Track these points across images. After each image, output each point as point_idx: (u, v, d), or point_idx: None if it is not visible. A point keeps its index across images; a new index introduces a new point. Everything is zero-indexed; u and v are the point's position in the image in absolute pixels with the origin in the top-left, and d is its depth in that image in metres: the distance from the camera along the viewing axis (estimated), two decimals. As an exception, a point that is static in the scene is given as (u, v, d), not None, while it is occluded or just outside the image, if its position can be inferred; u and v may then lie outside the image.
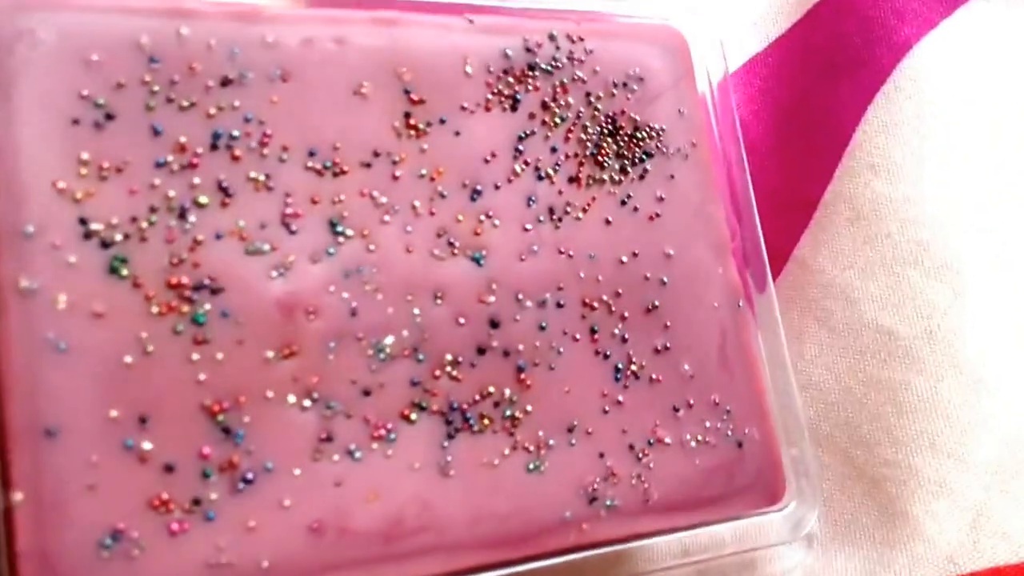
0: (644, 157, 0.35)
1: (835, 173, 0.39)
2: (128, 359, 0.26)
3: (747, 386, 0.35)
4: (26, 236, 0.26)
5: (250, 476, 0.27)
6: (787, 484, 0.36)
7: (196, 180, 0.28)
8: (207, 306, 0.28)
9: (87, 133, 0.27)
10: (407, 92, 0.31)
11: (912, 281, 0.38)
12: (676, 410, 0.34)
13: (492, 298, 0.32)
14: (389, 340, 0.30)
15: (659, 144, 0.35)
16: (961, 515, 0.38)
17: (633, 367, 0.33)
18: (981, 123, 0.40)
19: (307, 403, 0.28)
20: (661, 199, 0.35)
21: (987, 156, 0.39)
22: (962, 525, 0.38)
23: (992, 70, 0.40)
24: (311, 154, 0.30)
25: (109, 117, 0.27)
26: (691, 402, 0.34)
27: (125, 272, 0.27)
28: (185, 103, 0.28)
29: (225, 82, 0.29)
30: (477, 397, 0.31)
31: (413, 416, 0.30)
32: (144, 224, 0.27)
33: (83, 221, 0.26)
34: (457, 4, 0.33)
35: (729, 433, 0.35)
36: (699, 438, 0.34)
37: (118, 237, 0.27)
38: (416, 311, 0.30)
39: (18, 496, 0.25)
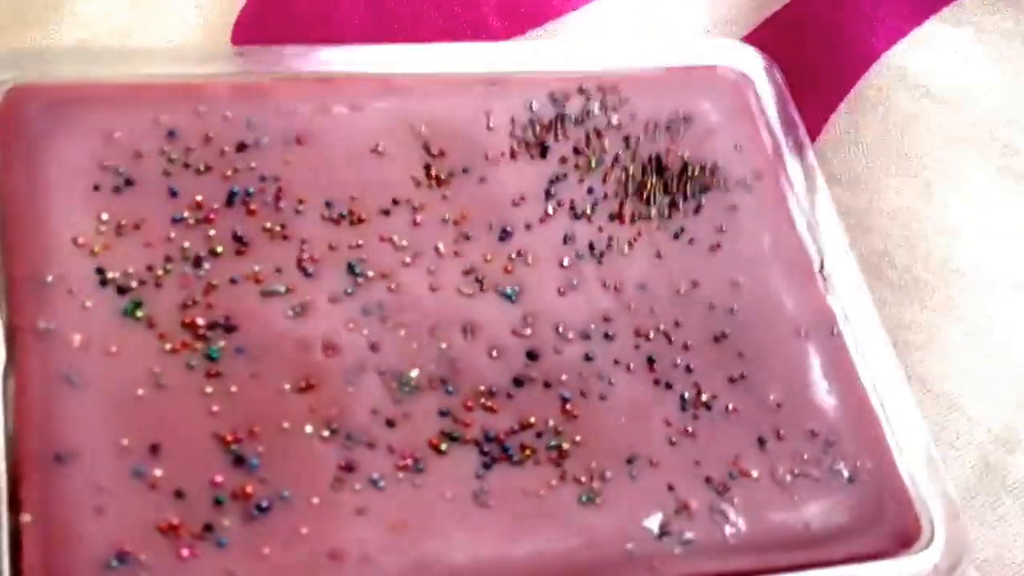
0: (697, 192, 0.35)
1: None
2: (140, 392, 0.29)
3: (854, 415, 0.33)
4: (45, 285, 0.29)
5: (264, 504, 0.28)
6: (923, 523, 0.32)
7: (211, 232, 0.31)
8: (221, 343, 0.30)
9: (107, 196, 0.31)
10: (426, 147, 0.34)
11: (877, 294, 0.37)
12: (762, 442, 0.32)
13: (528, 331, 0.32)
14: (414, 373, 0.31)
15: (715, 179, 0.36)
16: None
17: (704, 397, 0.32)
18: (953, 132, 0.40)
19: (326, 433, 0.29)
20: (722, 230, 0.35)
21: (950, 169, 0.40)
22: None
23: (966, 79, 0.41)
24: (327, 205, 0.32)
25: (128, 182, 0.31)
26: (781, 433, 0.32)
27: (140, 314, 0.29)
28: (201, 167, 0.32)
29: (241, 147, 0.32)
30: (516, 427, 0.31)
31: (443, 446, 0.30)
32: (160, 272, 0.30)
33: (100, 270, 0.30)
34: (481, 76, 0.36)
35: (835, 466, 0.32)
36: (795, 471, 0.32)
37: (134, 284, 0.30)
38: (443, 345, 0.31)
39: (27, 517, 0.27)
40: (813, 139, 0.40)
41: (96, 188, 0.31)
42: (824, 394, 0.33)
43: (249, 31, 0.37)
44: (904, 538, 0.32)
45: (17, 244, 0.30)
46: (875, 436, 0.33)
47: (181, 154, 0.32)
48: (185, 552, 0.27)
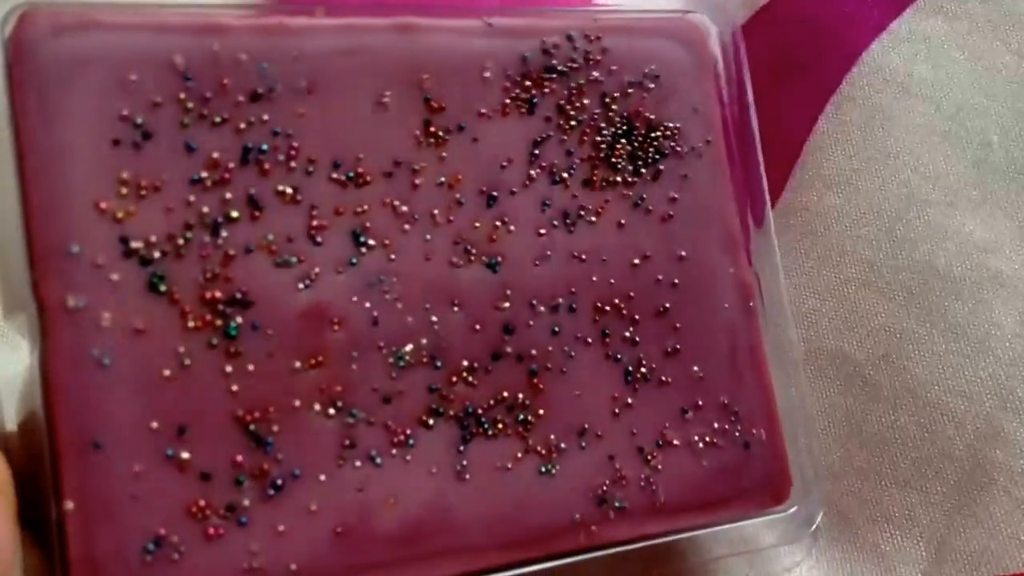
0: (658, 157, 0.40)
1: (786, 185, 0.45)
2: (167, 372, 0.32)
3: (755, 388, 0.41)
4: (71, 255, 0.31)
5: (279, 482, 0.33)
6: (793, 485, 0.41)
7: (228, 195, 0.33)
8: (239, 319, 0.33)
9: (126, 153, 0.32)
10: (427, 100, 0.36)
11: (866, 301, 0.42)
12: (685, 412, 0.39)
13: (507, 304, 0.37)
14: (408, 348, 0.35)
15: (674, 143, 0.40)
16: (927, 545, 0.43)
17: (643, 369, 0.39)
18: (931, 129, 0.44)
19: (331, 411, 0.34)
20: (674, 200, 0.40)
21: (938, 165, 0.44)
22: (928, 554, 0.43)
23: (942, 73, 0.45)
24: (336, 165, 0.34)
25: (146, 136, 0.32)
26: (700, 403, 0.40)
27: (163, 288, 0.32)
28: (217, 119, 0.33)
29: (254, 97, 0.33)
30: (492, 402, 0.36)
31: (431, 422, 0.35)
32: (180, 240, 0.32)
33: (124, 240, 0.31)
34: (475, 8, 0.38)
35: (737, 434, 0.40)
36: (707, 439, 0.40)
37: (156, 255, 0.32)
38: (434, 319, 0.36)
39: (69, 505, 0.30)
40: (803, 140, 0.44)
41: (116, 143, 0.31)
42: (736, 367, 0.41)
43: None
44: (778, 496, 0.41)
45: (40, 206, 0.30)
46: (768, 408, 0.41)
47: (197, 104, 0.33)
48: (211, 532, 0.32)
